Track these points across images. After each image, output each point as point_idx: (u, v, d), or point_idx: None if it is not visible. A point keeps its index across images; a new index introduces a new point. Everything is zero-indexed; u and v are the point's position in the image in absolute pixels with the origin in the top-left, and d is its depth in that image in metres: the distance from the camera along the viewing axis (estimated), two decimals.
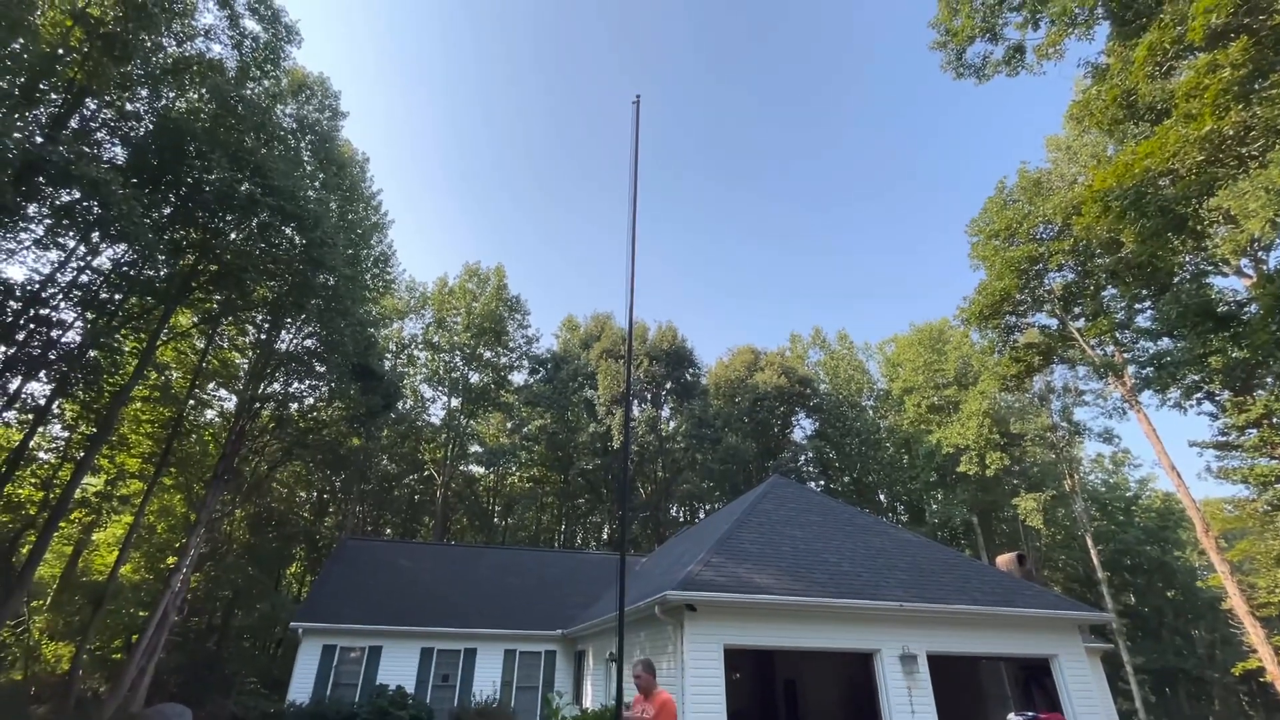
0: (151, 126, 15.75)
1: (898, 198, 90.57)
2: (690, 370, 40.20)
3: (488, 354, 38.59)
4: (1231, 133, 10.58)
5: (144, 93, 16.05)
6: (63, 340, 16.00)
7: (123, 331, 18.18)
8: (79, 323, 16.57)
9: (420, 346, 38.11)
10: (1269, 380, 17.02)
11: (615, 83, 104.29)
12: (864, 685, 11.64)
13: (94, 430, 18.01)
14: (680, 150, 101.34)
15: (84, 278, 16.75)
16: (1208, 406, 19.28)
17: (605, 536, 41.23)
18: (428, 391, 38.72)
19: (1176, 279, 18.10)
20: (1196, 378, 16.26)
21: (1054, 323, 23.86)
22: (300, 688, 14.83)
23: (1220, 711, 36.15)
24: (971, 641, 10.36)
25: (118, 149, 16.06)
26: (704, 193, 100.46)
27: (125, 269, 16.91)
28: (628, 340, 7.89)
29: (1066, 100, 28.52)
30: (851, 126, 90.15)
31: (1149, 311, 20.56)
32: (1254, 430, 18.57)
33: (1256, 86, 10.63)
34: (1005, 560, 16.27)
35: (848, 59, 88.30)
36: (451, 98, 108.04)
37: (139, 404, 21.41)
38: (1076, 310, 22.88)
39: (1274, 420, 18.32)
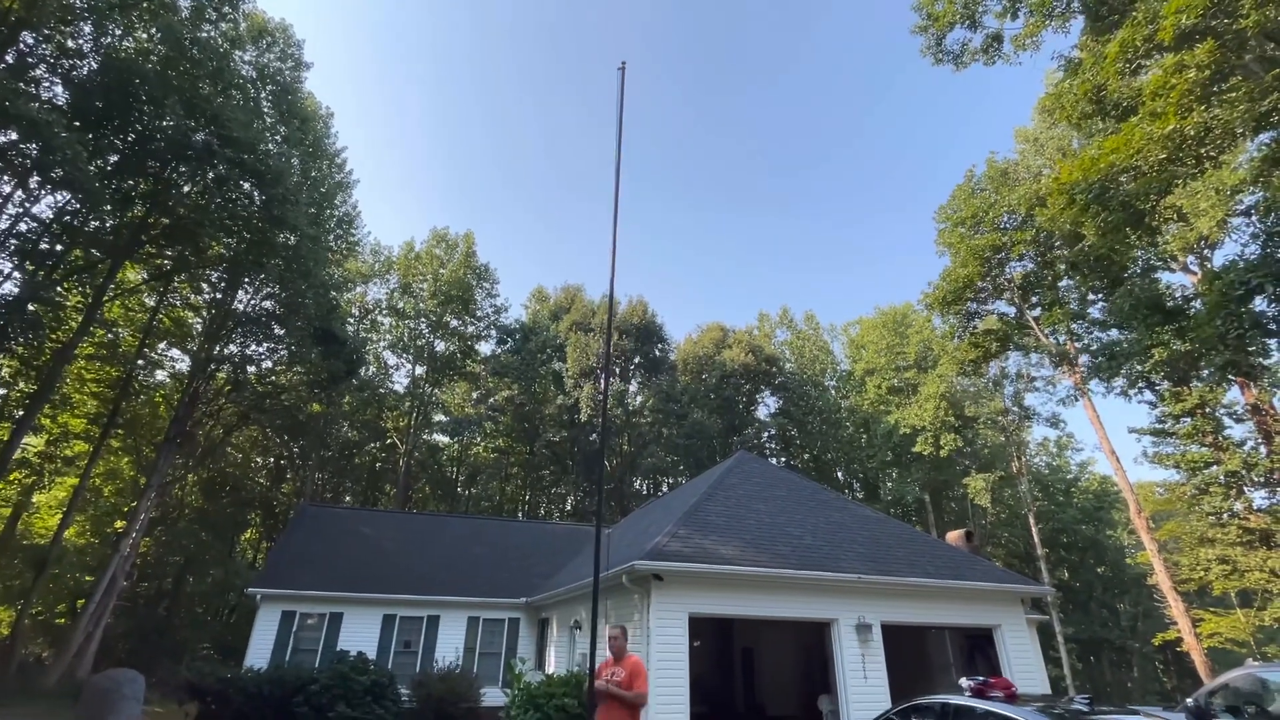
0: (96, 66, 14.71)
1: (857, 167, 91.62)
2: (659, 345, 40.33)
3: (454, 322, 37.92)
4: (1193, 132, 10.96)
5: (87, 28, 14.93)
6: None
7: (65, 285, 17.22)
8: (16, 274, 15.62)
9: (384, 312, 37.23)
10: (1205, 373, 18.04)
11: (604, 43, 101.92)
12: (818, 653, 12.12)
13: (34, 388, 17.12)
14: (666, 116, 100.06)
15: (21, 226, 15.74)
16: (1148, 395, 20.40)
17: (569, 508, 41.47)
18: (391, 358, 38.01)
19: (1129, 273, 18.90)
20: (1141, 368, 17.10)
21: (1012, 311, 24.71)
22: (258, 654, 14.65)
23: (1138, 678, 39.03)
24: (923, 612, 10.86)
25: (59, 88, 14.98)
26: (685, 163, 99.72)
27: (68, 219, 15.96)
28: (609, 312, 7.83)
29: (1036, 94, 29.02)
30: (830, 99, 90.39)
31: (1101, 304, 21.47)
32: (1188, 419, 19.74)
33: (1218, 89, 11.03)
34: (955, 536, 17.00)
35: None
36: (426, 52, 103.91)
37: (83, 362, 20.40)
38: (1034, 299, 23.71)
39: (1206, 410, 19.50)
